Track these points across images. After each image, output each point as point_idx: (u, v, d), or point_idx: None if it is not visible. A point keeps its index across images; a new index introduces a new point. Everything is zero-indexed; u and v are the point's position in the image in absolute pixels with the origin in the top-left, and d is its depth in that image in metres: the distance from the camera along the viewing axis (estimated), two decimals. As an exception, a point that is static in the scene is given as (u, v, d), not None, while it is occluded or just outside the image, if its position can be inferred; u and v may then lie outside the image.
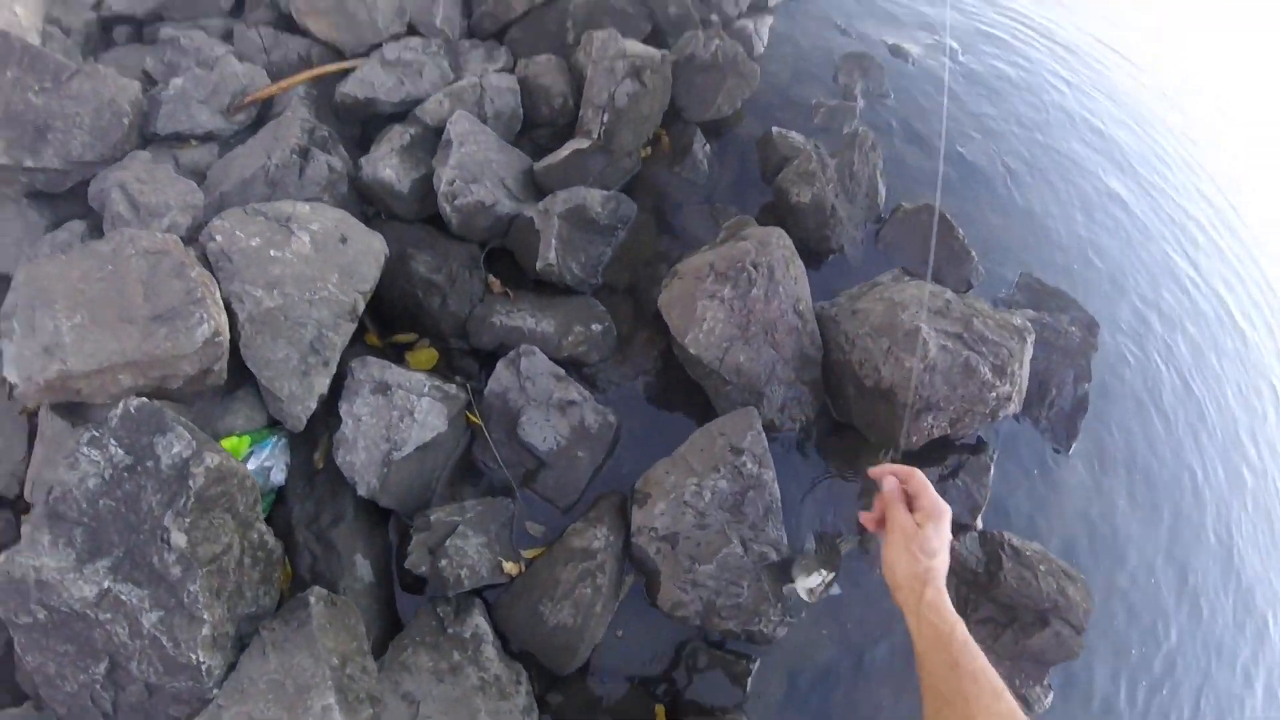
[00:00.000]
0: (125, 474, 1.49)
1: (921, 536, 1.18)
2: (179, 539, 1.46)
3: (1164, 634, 2.45)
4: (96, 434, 1.50)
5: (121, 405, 1.51)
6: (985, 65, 3.79)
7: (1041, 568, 1.95)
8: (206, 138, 2.33)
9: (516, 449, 2.05)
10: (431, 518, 1.87)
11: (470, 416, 2.03)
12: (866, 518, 1.33)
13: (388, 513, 1.97)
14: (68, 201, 2.21)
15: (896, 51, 3.46)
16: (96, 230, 2.08)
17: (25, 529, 1.49)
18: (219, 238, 1.81)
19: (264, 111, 2.42)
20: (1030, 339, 2.16)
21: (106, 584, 1.45)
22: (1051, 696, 2.07)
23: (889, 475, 1.29)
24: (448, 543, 1.83)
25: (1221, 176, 4.43)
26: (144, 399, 1.53)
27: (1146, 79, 4.97)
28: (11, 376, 1.60)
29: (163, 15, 2.68)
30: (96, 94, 2.13)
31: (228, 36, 2.63)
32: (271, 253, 1.82)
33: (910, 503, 1.25)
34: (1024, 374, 2.13)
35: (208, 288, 1.66)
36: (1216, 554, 2.73)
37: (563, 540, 1.94)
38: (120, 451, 1.50)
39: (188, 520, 1.47)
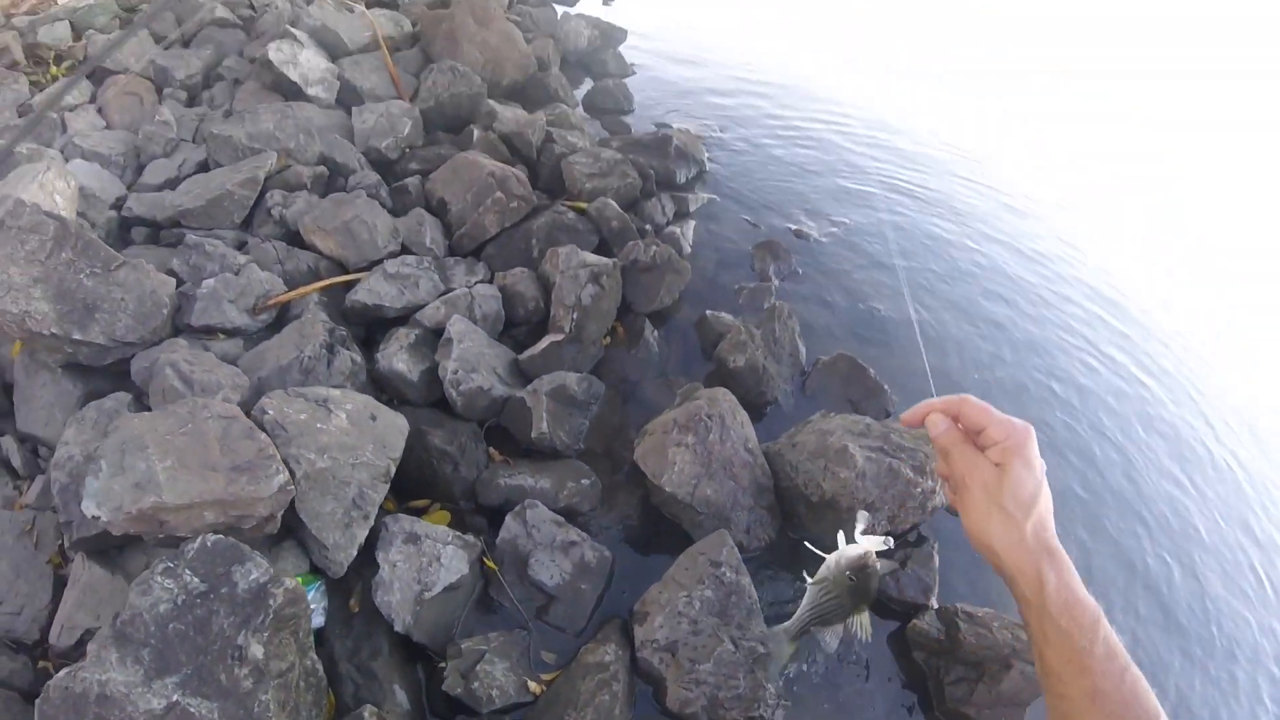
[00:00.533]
0: (198, 600, 1.74)
1: (1008, 482, 0.87)
2: (256, 651, 1.71)
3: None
4: (171, 565, 1.76)
5: (199, 540, 1.80)
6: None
7: (995, 624, 2.29)
8: (234, 332, 2.73)
9: (528, 587, 2.36)
10: (463, 646, 2.14)
11: (486, 561, 2.35)
12: (943, 469, 1.00)
13: (417, 648, 2.21)
14: (100, 376, 2.53)
15: (799, 234, 4.29)
16: (140, 401, 2.41)
17: (91, 648, 1.67)
18: (271, 411, 2.20)
19: (281, 313, 2.87)
20: None
21: (175, 697, 1.62)
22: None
23: (934, 414, 0.98)
24: (478, 668, 2.09)
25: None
26: (220, 535, 1.84)
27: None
28: (94, 510, 1.87)
29: (180, 222, 3.16)
30: (140, 284, 2.54)
31: (240, 246, 3.10)
32: (318, 425, 2.21)
33: (976, 439, 0.94)
34: (941, 476, 2.59)
35: (274, 448, 2.03)
36: (1152, 580, 3.13)
37: (578, 659, 2.20)
38: (195, 580, 1.76)
39: (265, 635, 1.73)
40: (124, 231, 3.23)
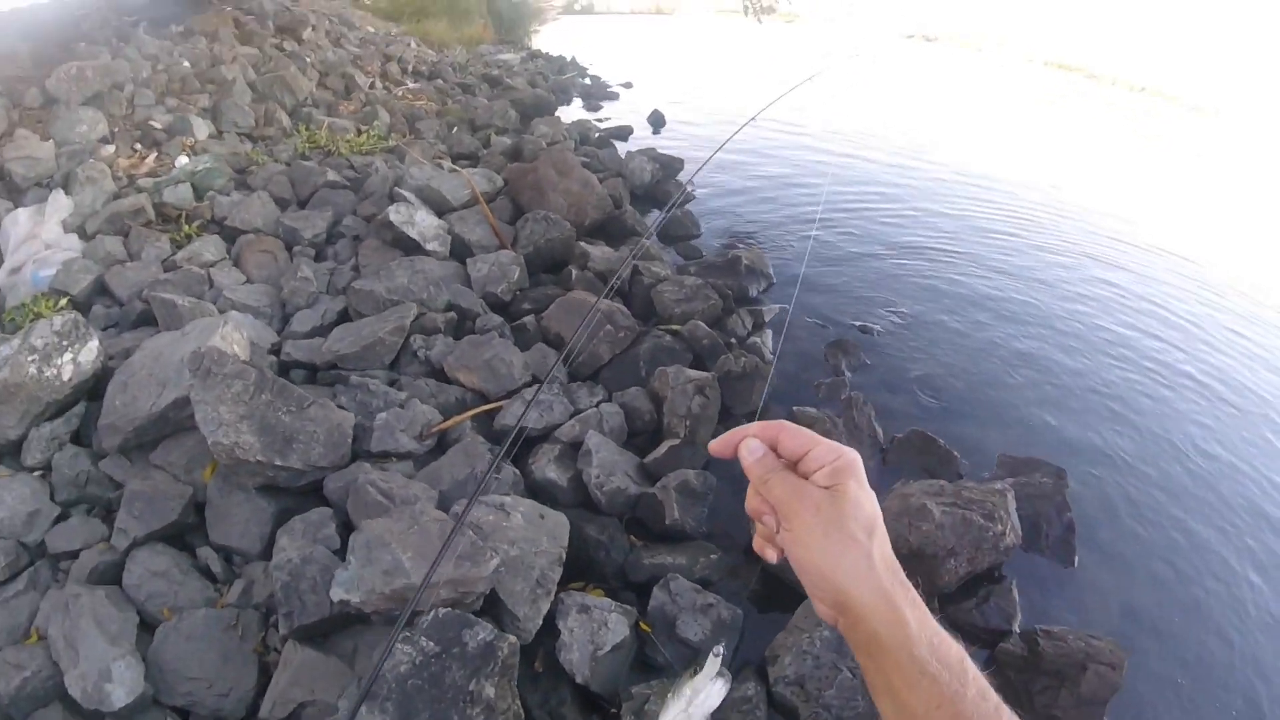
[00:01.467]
0: (433, 660, 2.30)
1: (847, 503, 0.75)
2: (489, 691, 2.28)
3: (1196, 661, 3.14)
4: (408, 634, 2.36)
5: (433, 611, 2.42)
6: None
7: (1070, 636, 2.72)
8: (405, 456, 3.35)
9: (677, 644, 2.90)
10: (633, 691, 2.68)
11: (643, 625, 2.91)
12: (760, 541, 0.86)
13: (593, 698, 2.73)
14: (289, 496, 3.05)
15: (864, 330, 4.95)
16: (340, 514, 2.94)
17: (341, 704, 2.21)
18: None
19: (441, 438, 3.49)
20: (1010, 494, 3.15)
21: None
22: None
23: (748, 440, 0.85)
24: (645, 708, 2.62)
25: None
26: (448, 609, 2.45)
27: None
28: (343, 595, 2.46)
29: (336, 365, 3.77)
30: (327, 419, 3.15)
31: (392, 384, 3.71)
32: (504, 524, 2.85)
33: (796, 467, 0.81)
34: (1012, 517, 3.07)
35: (481, 540, 2.67)
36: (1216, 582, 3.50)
37: (726, 698, 2.71)
38: (431, 644, 2.34)
39: (495, 679, 2.31)
40: (283, 373, 3.73)
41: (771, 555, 0.84)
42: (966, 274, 6.58)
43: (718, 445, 0.88)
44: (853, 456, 0.78)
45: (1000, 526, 2.97)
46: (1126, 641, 2.81)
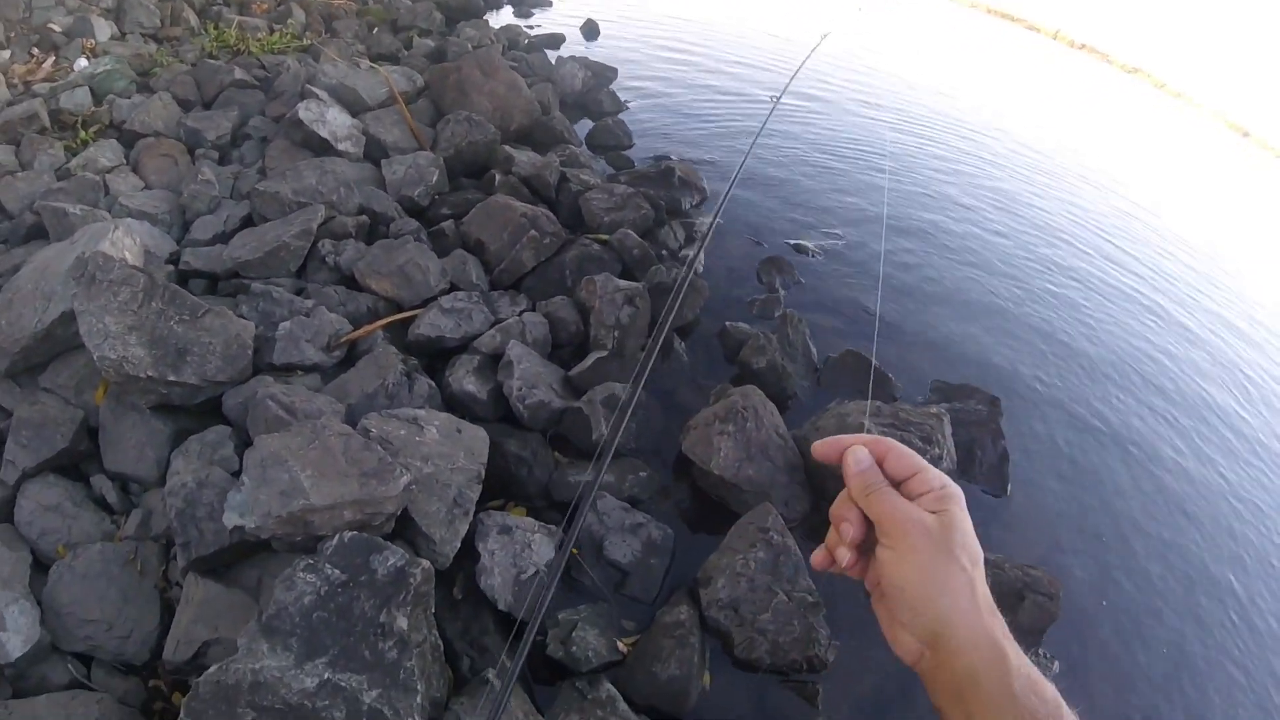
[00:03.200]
0: (339, 589, 2.08)
1: (958, 530, 0.70)
2: (401, 623, 2.07)
3: (1127, 589, 3.22)
4: (312, 561, 2.12)
5: (338, 537, 2.17)
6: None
7: (1006, 565, 2.69)
8: (311, 368, 3.08)
9: (605, 566, 2.74)
10: (560, 618, 2.52)
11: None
12: (821, 558, 0.81)
13: (513, 622, 2.57)
14: (187, 415, 2.80)
15: (798, 249, 4.78)
16: (241, 434, 2.70)
17: (241, 642, 1.95)
18: (374, 429, 2.59)
19: (350, 349, 3.23)
20: (946, 418, 3.08)
21: (326, 675, 1.92)
22: (1057, 665, 2.72)
23: (856, 448, 0.78)
24: (573, 634, 2.47)
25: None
26: (355, 532, 2.22)
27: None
28: (237, 520, 2.23)
29: (239, 273, 3.49)
30: (225, 329, 2.87)
31: (298, 292, 3.42)
32: (416, 439, 2.61)
33: (899, 485, 0.75)
34: (949, 443, 3.01)
35: (390, 456, 2.42)
36: (1146, 511, 3.61)
37: (656, 621, 2.58)
38: (336, 571, 2.12)
39: (408, 609, 2.11)
40: (182, 283, 3.46)
41: (846, 559, 0.77)
42: (906, 202, 6.51)
43: (822, 448, 0.81)
44: (957, 488, 0.73)
45: (937, 450, 2.90)
46: (1059, 571, 2.81)
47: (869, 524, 0.76)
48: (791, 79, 3.65)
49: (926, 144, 8.61)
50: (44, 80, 5.13)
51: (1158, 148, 17.19)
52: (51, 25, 5.68)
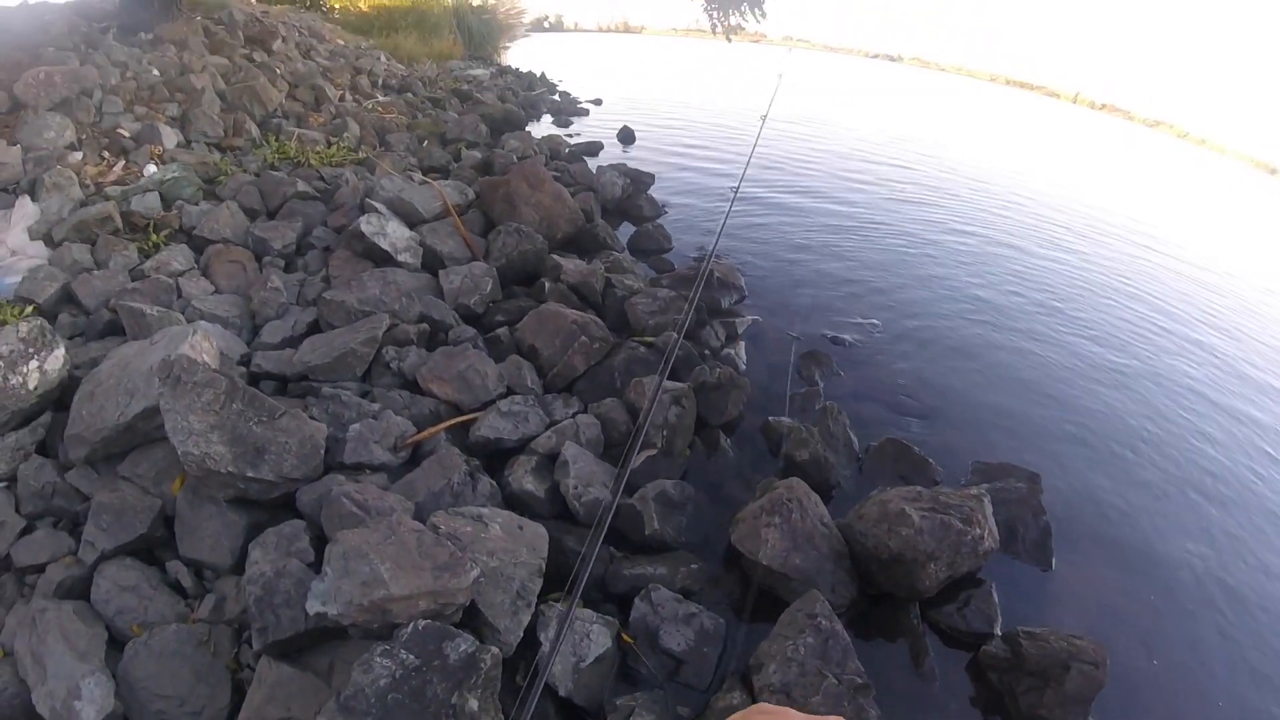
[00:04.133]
0: (414, 673, 2.26)
1: None
2: (472, 705, 2.24)
3: (1176, 653, 3.23)
4: (388, 647, 2.31)
5: (413, 625, 2.37)
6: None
7: (1052, 637, 2.76)
8: (379, 468, 3.29)
9: (660, 655, 2.88)
10: (618, 704, 2.66)
11: (625, 636, 2.89)
12: None
13: (577, 710, 2.72)
14: (261, 509, 3.00)
15: (836, 340, 5.00)
16: (314, 527, 2.89)
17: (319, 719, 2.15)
18: (443, 526, 2.82)
19: (415, 450, 3.46)
20: (986, 499, 3.19)
21: None
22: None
23: None
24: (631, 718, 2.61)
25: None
26: (430, 620, 2.42)
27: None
28: (320, 608, 2.40)
29: (307, 376, 3.75)
30: (300, 430, 3.09)
31: (364, 395, 3.68)
32: (481, 535, 2.83)
33: None
34: (989, 522, 3.12)
35: (460, 551, 2.64)
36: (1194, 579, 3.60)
37: (709, 707, 2.70)
38: (411, 656, 2.30)
39: (479, 691, 2.28)
40: (253, 384, 3.68)
41: None
42: (935, 282, 6.79)
43: None
44: None
45: (978, 530, 3.01)
46: (1106, 640, 2.86)
47: None
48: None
49: (964, 223, 8.89)
50: (114, 183, 5.50)
51: (1190, 196, 17.16)
52: (121, 130, 6.18)
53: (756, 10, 10.05)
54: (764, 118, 7.40)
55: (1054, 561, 3.48)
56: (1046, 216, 10.32)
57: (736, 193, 7.18)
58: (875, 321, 5.57)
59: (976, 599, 3.07)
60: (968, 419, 4.51)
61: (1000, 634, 2.98)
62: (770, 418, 3.97)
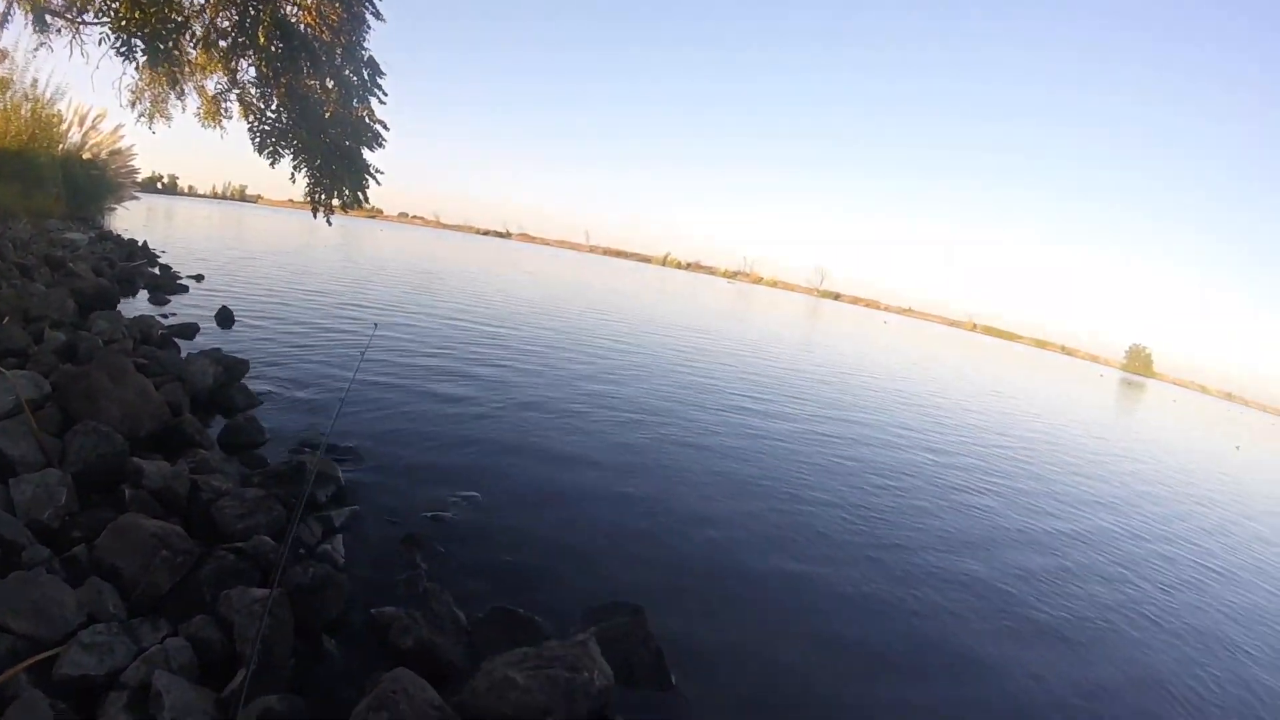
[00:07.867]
0: None
1: None
2: None
3: None
4: None
5: None
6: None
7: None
8: None
9: None
10: None
11: None
12: None
13: None
14: None
15: (437, 519, 5.27)
16: None
17: None
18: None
19: None
20: (591, 640, 3.60)
21: None
22: None
23: None
24: None
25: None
26: None
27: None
28: None
29: None
30: None
31: None
32: None
33: None
34: (598, 662, 3.45)
35: None
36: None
37: None
38: None
39: None
40: None
41: None
42: (529, 449, 7.46)
43: None
44: None
45: (586, 674, 3.26)
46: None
47: None
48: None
49: (557, 384, 9.81)
50: None
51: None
52: None
53: (360, 194, 10.43)
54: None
55: (672, 678, 3.88)
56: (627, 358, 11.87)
57: (350, 384, 7.24)
58: (474, 493, 5.85)
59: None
60: (570, 569, 4.89)
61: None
62: (373, 610, 3.92)
